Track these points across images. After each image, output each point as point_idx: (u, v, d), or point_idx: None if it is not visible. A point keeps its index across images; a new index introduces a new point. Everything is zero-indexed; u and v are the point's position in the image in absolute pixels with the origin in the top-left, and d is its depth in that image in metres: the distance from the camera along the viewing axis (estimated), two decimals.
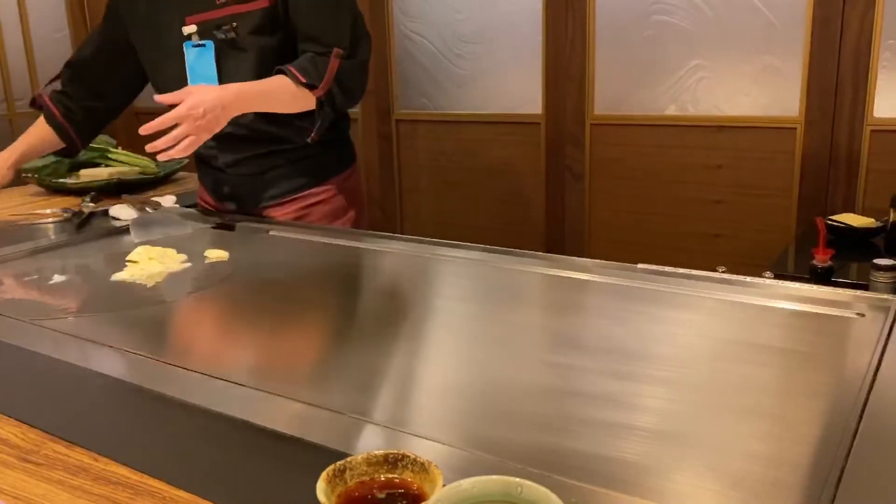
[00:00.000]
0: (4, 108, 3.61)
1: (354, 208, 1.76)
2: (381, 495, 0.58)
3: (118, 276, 1.26)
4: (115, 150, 2.17)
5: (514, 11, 2.93)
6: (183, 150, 1.36)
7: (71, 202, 1.86)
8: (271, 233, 1.56)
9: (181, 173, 2.28)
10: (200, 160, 1.75)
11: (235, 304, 1.20)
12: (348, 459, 0.59)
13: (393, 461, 0.59)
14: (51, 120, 1.79)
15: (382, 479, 0.59)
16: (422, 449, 0.64)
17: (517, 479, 0.56)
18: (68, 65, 1.80)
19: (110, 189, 1.96)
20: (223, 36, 1.56)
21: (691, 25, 2.61)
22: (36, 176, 2.04)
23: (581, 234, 3.01)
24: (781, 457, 0.70)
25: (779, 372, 0.89)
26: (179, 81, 1.59)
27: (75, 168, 2.07)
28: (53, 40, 3.80)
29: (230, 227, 1.61)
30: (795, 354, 0.94)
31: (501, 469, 0.60)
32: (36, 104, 1.83)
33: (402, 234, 2.17)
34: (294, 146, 1.65)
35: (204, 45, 1.58)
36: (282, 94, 1.51)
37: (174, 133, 1.36)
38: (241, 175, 1.69)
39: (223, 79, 1.58)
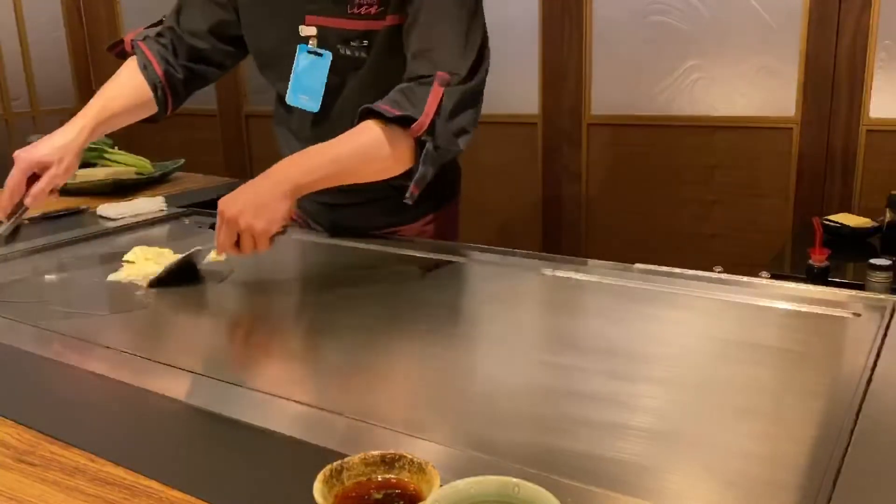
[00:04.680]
0: (0, 108, 3.61)
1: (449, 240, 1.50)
2: (378, 496, 0.58)
3: (114, 277, 1.25)
4: (111, 150, 2.17)
5: (511, 12, 2.93)
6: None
7: (68, 203, 1.86)
8: None
9: (178, 174, 2.28)
10: None
11: (232, 304, 1.20)
12: (345, 460, 0.59)
13: (390, 461, 0.59)
14: (148, 72, 1.42)
15: (379, 479, 0.59)
16: (418, 449, 0.64)
17: (514, 479, 0.56)
18: (171, 27, 1.47)
19: (107, 189, 1.96)
20: (349, 53, 1.28)
21: (688, 26, 2.62)
22: None
23: (578, 234, 3.01)
24: (778, 456, 0.70)
25: (775, 372, 0.89)
26: (286, 82, 1.37)
27: None
28: (50, 40, 3.79)
29: None
30: (792, 354, 0.94)
31: (498, 469, 0.60)
32: (117, 50, 1.49)
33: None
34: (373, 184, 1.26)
35: (321, 56, 1.30)
36: (365, 154, 1.19)
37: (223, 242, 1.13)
38: (318, 203, 1.49)
39: (339, 91, 1.33)
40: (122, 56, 1.50)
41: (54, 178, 1.29)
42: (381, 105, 1.18)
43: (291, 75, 1.35)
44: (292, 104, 1.37)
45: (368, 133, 1.18)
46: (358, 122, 1.20)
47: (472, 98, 1.24)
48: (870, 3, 2.34)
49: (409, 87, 1.20)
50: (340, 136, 1.20)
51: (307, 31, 1.30)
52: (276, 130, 1.55)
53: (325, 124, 1.37)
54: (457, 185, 1.58)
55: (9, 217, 1.29)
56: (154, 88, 1.43)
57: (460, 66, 1.21)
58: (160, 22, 1.50)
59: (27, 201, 1.29)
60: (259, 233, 1.10)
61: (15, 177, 1.26)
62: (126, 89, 1.42)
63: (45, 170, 1.28)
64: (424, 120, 1.17)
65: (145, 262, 1.30)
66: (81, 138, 1.33)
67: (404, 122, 1.17)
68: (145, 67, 1.43)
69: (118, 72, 1.45)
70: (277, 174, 1.16)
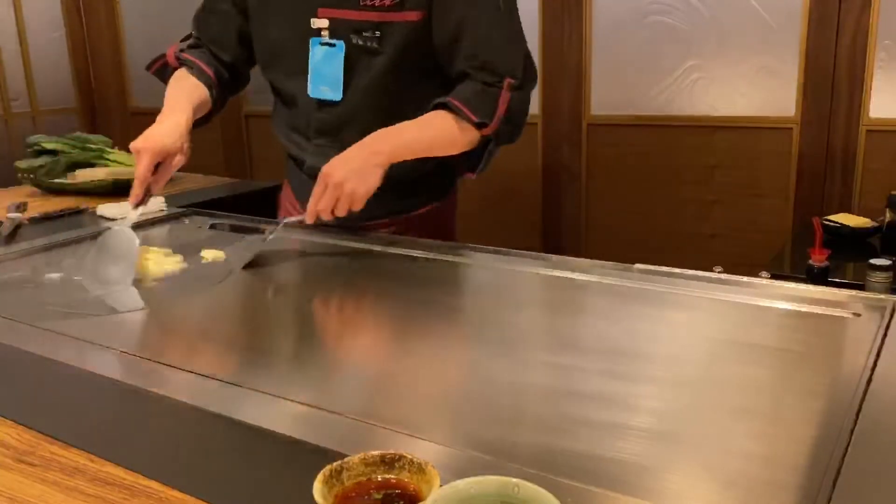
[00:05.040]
0: (0, 108, 3.61)
1: (448, 229, 1.60)
2: (378, 496, 0.58)
3: None
4: (111, 150, 2.17)
5: None
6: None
7: (68, 202, 1.86)
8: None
9: (178, 174, 2.27)
10: (292, 158, 1.56)
11: (232, 304, 1.20)
12: (345, 460, 0.59)
13: (389, 462, 0.59)
14: (202, 75, 1.48)
15: (379, 479, 0.59)
16: (418, 449, 0.64)
17: (513, 479, 0.56)
18: (198, 31, 1.54)
19: (107, 189, 1.96)
20: (362, 43, 1.33)
21: (688, 26, 2.62)
22: (32, 176, 2.04)
23: (578, 235, 3.01)
24: (777, 456, 0.70)
25: (775, 372, 0.89)
26: (295, 79, 1.42)
27: (71, 168, 2.06)
28: (49, 40, 3.79)
29: (226, 228, 1.60)
30: (792, 354, 0.94)
31: (498, 469, 0.60)
32: (158, 65, 1.56)
33: None
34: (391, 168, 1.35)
35: (334, 46, 1.34)
36: (441, 140, 1.34)
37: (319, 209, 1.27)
38: None
39: (350, 82, 1.38)
40: (161, 72, 1.56)
41: (179, 162, 1.36)
42: (458, 104, 1.32)
43: (309, 68, 1.38)
44: (314, 96, 1.41)
45: (447, 121, 1.33)
46: (431, 110, 1.34)
47: (528, 100, 1.39)
48: (870, 3, 2.34)
49: (482, 91, 1.34)
50: (422, 119, 1.34)
51: (319, 23, 1.35)
52: (277, 130, 1.55)
53: (336, 114, 1.39)
54: (455, 177, 1.61)
55: (138, 205, 1.34)
56: (209, 87, 1.48)
57: (517, 68, 1.35)
58: (189, 36, 1.56)
59: (155, 188, 1.35)
60: (360, 197, 1.26)
61: (145, 167, 1.30)
62: (190, 87, 1.47)
63: (169, 156, 1.34)
64: (494, 125, 1.34)
65: (145, 262, 1.30)
66: (189, 123, 1.39)
67: (478, 125, 1.33)
68: (198, 71, 1.49)
69: (172, 80, 1.50)
70: (373, 146, 1.29)
